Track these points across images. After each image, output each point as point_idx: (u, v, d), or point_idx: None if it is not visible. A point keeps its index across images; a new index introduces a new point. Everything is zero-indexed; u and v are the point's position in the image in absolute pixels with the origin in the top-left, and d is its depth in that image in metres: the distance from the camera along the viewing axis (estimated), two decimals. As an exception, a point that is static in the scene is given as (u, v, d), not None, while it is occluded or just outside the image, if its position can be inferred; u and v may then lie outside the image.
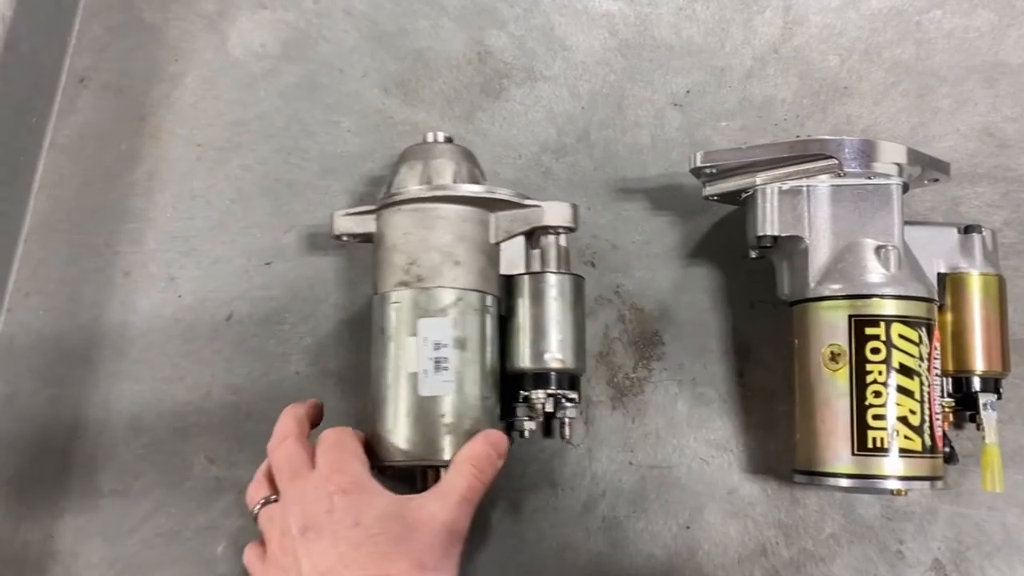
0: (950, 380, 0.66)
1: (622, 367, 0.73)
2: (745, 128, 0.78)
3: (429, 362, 0.61)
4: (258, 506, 0.60)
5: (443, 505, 0.56)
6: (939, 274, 0.66)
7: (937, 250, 0.66)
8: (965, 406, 0.66)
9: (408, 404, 0.61)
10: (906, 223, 0.64)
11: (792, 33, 0.80)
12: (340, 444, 0.59)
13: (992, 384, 0.66)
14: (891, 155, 0.63)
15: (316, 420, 0.64)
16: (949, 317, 0.66)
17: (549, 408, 0.65)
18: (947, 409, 0.65)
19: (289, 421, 0.62)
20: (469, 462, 0.59)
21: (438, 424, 0.61)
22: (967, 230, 0.67)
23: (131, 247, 0.77)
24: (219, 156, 0.79)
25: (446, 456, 0.60)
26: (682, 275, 0.75)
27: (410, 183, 0.65)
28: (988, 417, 0.65)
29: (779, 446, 0.70)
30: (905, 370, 0.60)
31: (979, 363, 0.65)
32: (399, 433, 0.61)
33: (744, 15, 0.80)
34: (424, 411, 0.61)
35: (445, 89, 0.80)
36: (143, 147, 0.80)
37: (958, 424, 0.69)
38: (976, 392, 0.65)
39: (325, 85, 0.81)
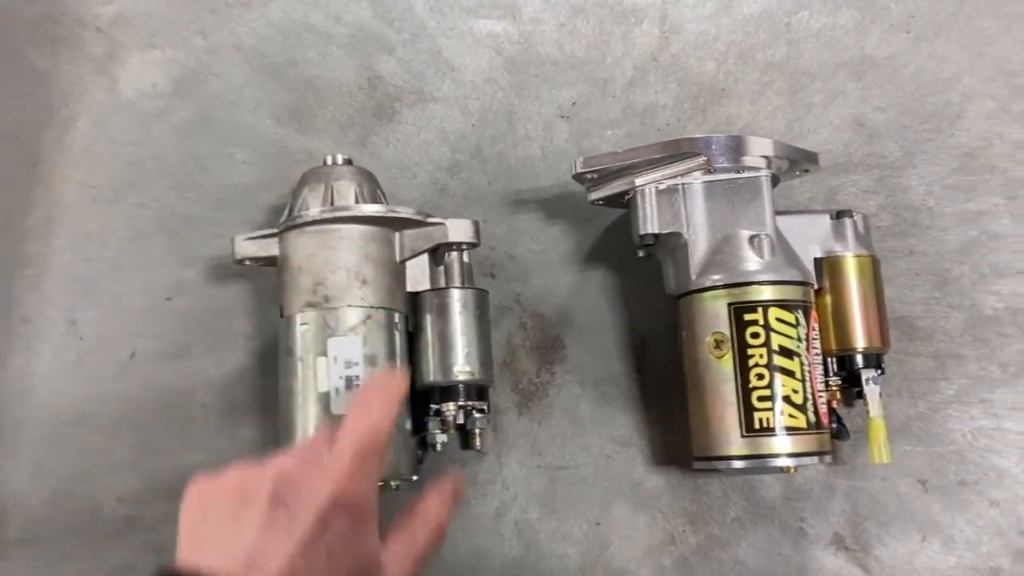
0: (835, 359, 0.68)
1: (526, 373, 0.75)
2: (630, 135, 0.80)
3: (340, 381, 0.62)
4: None
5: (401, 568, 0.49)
6: (816, 259, 0.69)
7: (812, 236, 0.69)
8: (851, 383, 0.69)
9: (319, 424, 0.61)
10: (780, 212, 0.68)
11: (669, 41, 0.83)
12: (375, 450, 0.49)
13: (874, 360, 0.68)
14: (758, 149, 0.66)
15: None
16: (828, 299, 0.68)
17: (460, 420, 0.66)
18: (834, 387, 0.68)
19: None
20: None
21: None
22: (839, 215, 0.69)
23: (29, 293, 0.77)
24: (114, 196, 0.79)
25: None
26: (579, 280, 0.77)
27: (312, 205, 0.66)
28: (871, 392, 0.67)
29: (679, 437, 0.71)
30: (785, 352, 0.63)
31: (860, 341, 0.68)
32: None
33: (623, 27, 0.83)
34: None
35: (338, 115, 0.82)
36: (37, 193, 0.79)
37: (848, 402, 0.72)
38: (859, 369, 0.68)
39: (219, 119, 0.81)
